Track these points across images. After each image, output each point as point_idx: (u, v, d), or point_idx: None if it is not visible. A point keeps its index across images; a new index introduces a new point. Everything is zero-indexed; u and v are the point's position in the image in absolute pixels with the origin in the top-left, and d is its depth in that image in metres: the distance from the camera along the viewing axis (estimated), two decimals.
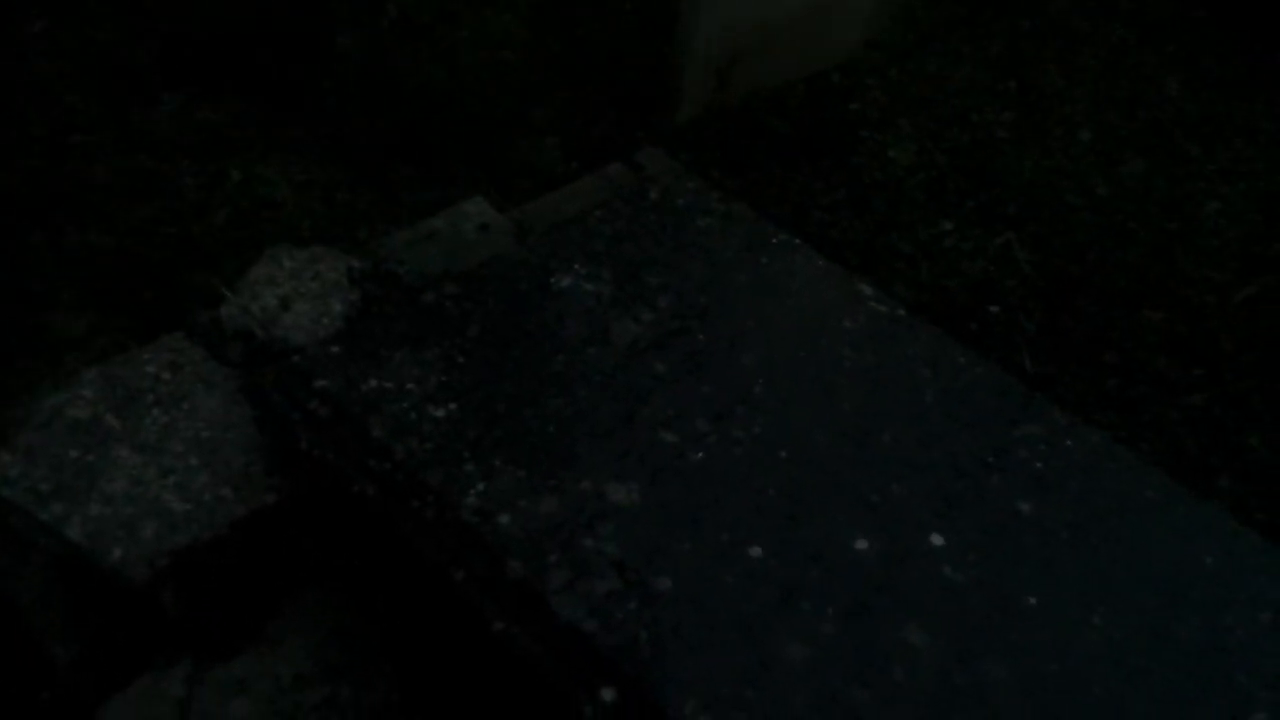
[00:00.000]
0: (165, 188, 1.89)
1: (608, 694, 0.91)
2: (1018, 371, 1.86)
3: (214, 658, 1.12)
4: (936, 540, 1.07)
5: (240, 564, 1.13)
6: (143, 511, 1.08)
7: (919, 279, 1.98)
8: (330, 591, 1.19)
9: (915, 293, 1.95)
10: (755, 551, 1.03)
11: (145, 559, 1.05)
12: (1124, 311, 2.01)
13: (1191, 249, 2.20)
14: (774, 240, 1.41)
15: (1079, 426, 1.24)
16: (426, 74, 2.19)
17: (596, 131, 2.16)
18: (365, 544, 1.11)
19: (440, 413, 1.10)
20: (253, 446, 1.19)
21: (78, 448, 1.10)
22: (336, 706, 1.11)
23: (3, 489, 1.04)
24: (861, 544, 1.05)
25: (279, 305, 1.35)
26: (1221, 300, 2.07)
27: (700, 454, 1.11)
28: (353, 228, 1.84)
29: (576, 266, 1.31)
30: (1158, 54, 2.89)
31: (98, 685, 1.08)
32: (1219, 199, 2.39)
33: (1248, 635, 1.04)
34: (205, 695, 1.10)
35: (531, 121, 2.17)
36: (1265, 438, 1.79)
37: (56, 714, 1.08)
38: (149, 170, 1.92)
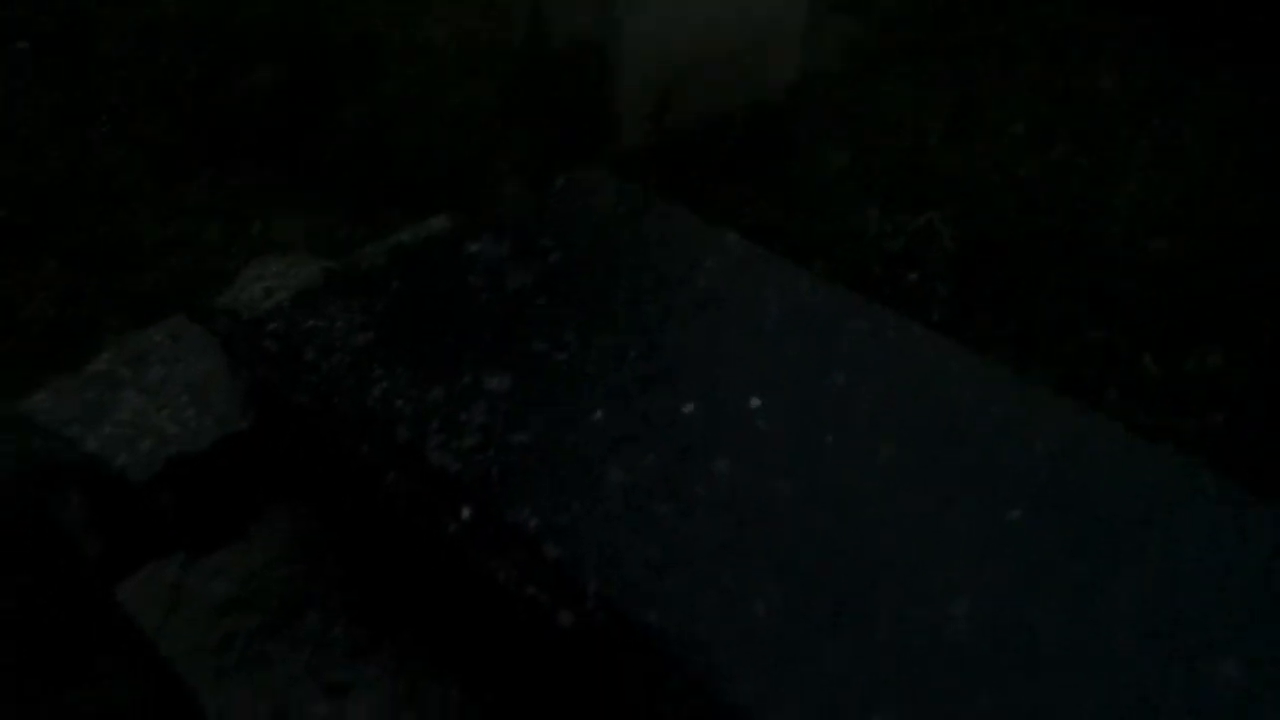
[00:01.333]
0: (198, 242, 2.31)
1: (465, 512, 1.17)
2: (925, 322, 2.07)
3: (202, 551, 1.43)
4: (755, 403, 1.31)
5: (221, 477, 1.45)
6: (143, 432, 1.41)
7: (838, 255, 2.23)
8: (294, 503, 1.49)
9: (834, 266, 2.19)
10: (598, 416, 1.28)
11: (143, 464, 1.37)
12: (1034, 269, 2.20)
13: (1107, 214, 2.38)
14: (658, 208, 1.70)
15: (905, 322, 1.46)
16: (413, 137, 2.59)
17: (553, 167, 2.51)
18: (306, 448, 1.40)
19: (359, 339, 1.40)
20: (232, 393, 1.51)
21: (95, 391, 1.45)
22: (295, 581, 1.40)
23: (37, 415, 1.39)
24: (689, 408, 1.30)
25: (263, 294, 1.70)
26: (1132, 255, 2.25)
27: (564, 356, 1.38)
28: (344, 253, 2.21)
29: (486, 237, 1.62)
30: (1095, 56, 3.11)
31: (117, 571, 1.40)
32: (1141, 174, 2.57)
33: (1015, 459, 1.23)
34: (193, 578, 1.40)
35: (500, 166, 2.53)
36: (1157, 356, 1.95)
37: (81, 594, 1.39)
38: (186, 230, 2.34)
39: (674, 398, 1.32)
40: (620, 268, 1.55)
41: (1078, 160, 2.63)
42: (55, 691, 1.40)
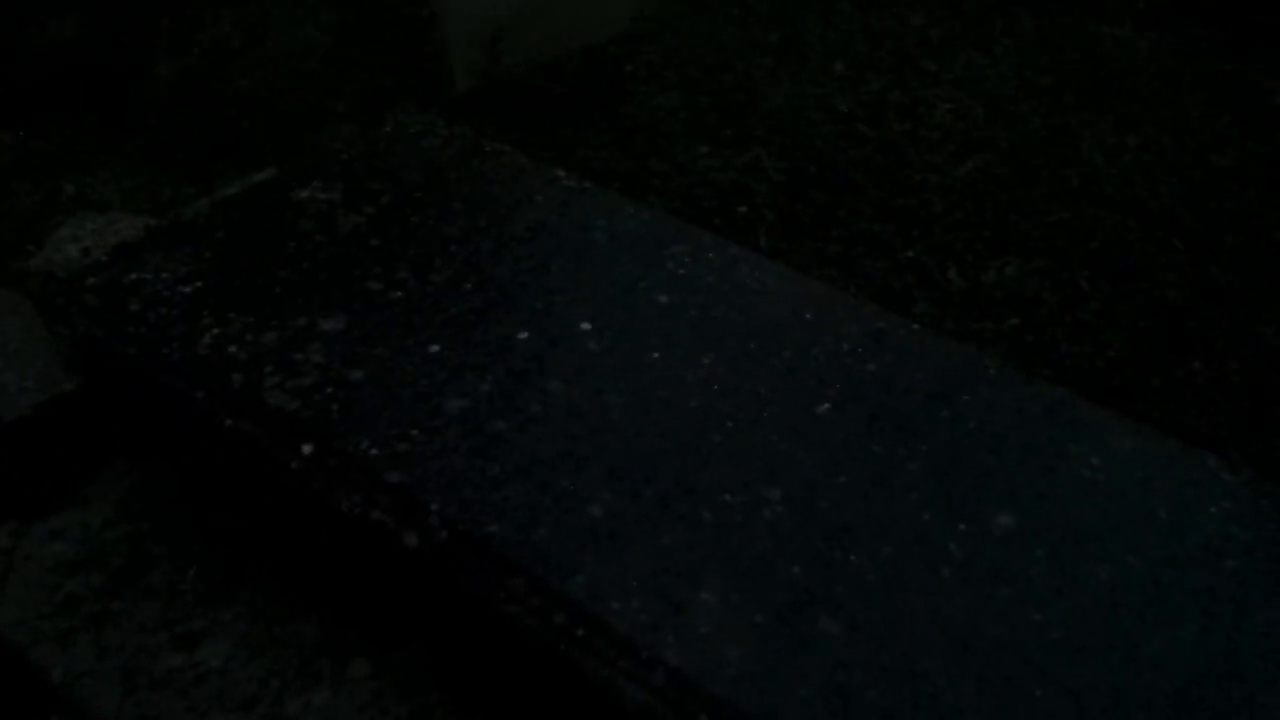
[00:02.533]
0: (4, 206, 2.18)
1: (306, 448, 1.20)
2: (754, 248, 2.19)
3: (34, 518, 1.39)
4: (585, 326, 1.37)
5: (47, 441, 1.41)
6: None
7: (671, 191, 2.31)
8: (130, 460, 1.47)
9: (668, 202, 2.28)
10: (434, 349, 1.32)
11: None
12: (852, 195, 2.35)
13: (918, 141, 2.55)
14: (487, 149, 1.73)
15: (723, 243, 1.56)
16: (239, 87, 2.50)
17: (387, 115, 2.48)
18: (138, 402, 1.38)
19: (187, 289, 1.39)
20: (53, 355, 1.46)
21: None
22: (138, 537, 1.38)
23: None
24: (523, 335, 1.35)
25: (80, 254, 1.64)
26: (940, 178, 2.42)
27: (399, 294, 1.41)
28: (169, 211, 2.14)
29: (315, 183, 1.61)
30: None
31: None
32: (951, 102, 2.75)
33: (822, 360, 1.35)
34: (27, 543, 1.37)
35: (333, 113, 2.48)
36: (962, 271, 2.13)
37: None
38: None
39: (508, 326, 1.37)
40: (451, 207, 1.58)
41: (891, 93, 2.79)
42: None
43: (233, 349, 1.30)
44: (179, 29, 2.60)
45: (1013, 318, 2.04)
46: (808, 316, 1.42)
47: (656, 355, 1.34)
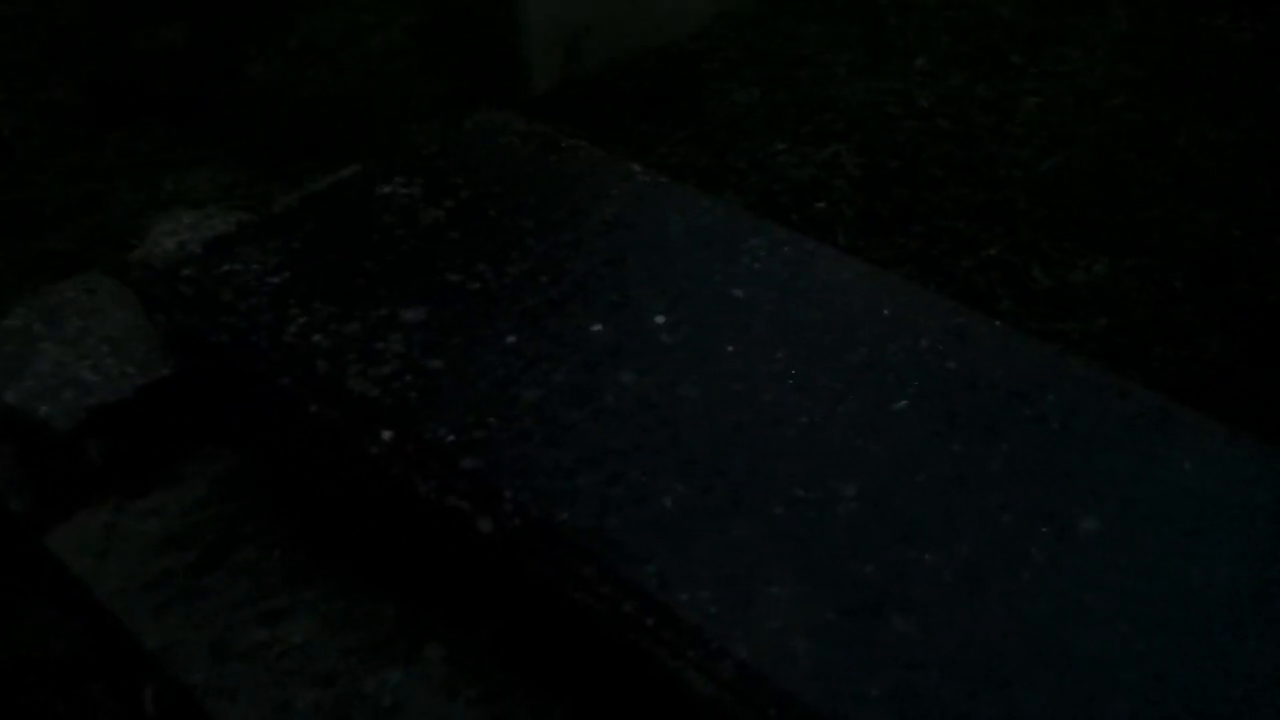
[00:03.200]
0: (109, 202, 2.29)
1: (386, 434, 1.23)
2: (831, 245, 2.16)
3: (133, 495, 1.46)
4: (659, 319, 1.38)
5: (146, 423, 1.47)
6: (64, 383, 1.43)
7: (748, 186, 2.30)
8: (222, 442, 1.53)
9: (744, 198, 2.27)
10: (510, 339, 1.34)
11: (66, 413, 1.39)
12: (932, 192, 2.30)
13: (1003, 137, 2.49)
14: (564, 144, 1.75)
15: (800, 238, 1.54)
16: (325, 88, 2.58)
17: (467, 113, 2.52)
18: (230, 387, 1.44)
19: (275, 279, 1.44)
20: (153, 342, 1.53)
21: (11, 345, 1.46)
22: (228, 516, 1.44)
23: None
24: (597, 327, 1.36)
25: (176, 247, 1.71)
26: (1026, 173, 2.36)
27: (478, 285, 1.43)
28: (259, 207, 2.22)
29: (398, 179, 1.65)
30: None
31: (47, 521, 1.42)
32: (1038, 96, 2.68)
33: (900, 356, 1.33)
34: (125, 521, 1.43)
35: (415, 112, 2.54)
36: (1048, 269, 2.07)
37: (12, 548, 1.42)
38: (94, 192, 2.32)
39: (583, 318, 1.39)
40: (529, 201, 1.60)
41: (975, 88, 2.73)
42: None
43: (318, 337, 1.34)
44: (271, 33, 2.69)
45: (1101, 318, 1.97)
46: (885, 312, 1.40)
47: (730, 349, 1.34)
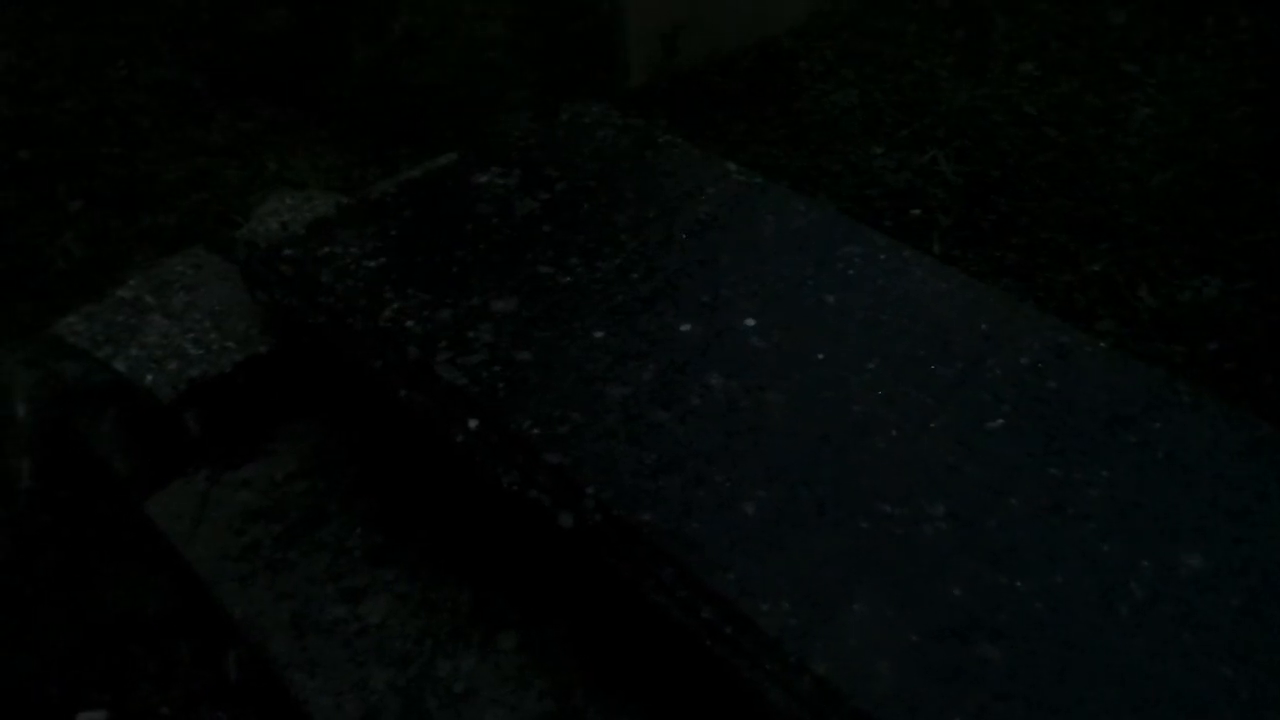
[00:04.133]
0: (216, 180, 2.36)
1: (472, 422, 1.24)
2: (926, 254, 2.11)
3: (226, 467, 1.51)
4: (749, 322, 1.36)
5: (242, 397, 1.52)
6: (168, 354, 1.48)
7: (842, 190, 2.25)
8: (312, 420, 1.57)
9: (838, 201, 2.22)
10: (599, 334, 1.34)
11: (169, 383, 1.44)
12: (1035, 203, 2.22)
13: (1112, 148, 2.39)
14: (660, 140, 1.74)
15: (896, 246, 1.51)
16: (425, 75, 2.62)
17: (563, 105, 2.54)
18: (323, 367, 1.47)
19: (372, 264, 1.46)
20: (253, 319, 1.58)
21: (122, 315, 1.52)
22: (314, 493, 1.47)
23: (68, 338, 1.46)
24: (686, 327, 1.35)
25: (279, 227, 1.76)
26: (1135, 187, 2.26)
27: (569, 279, 1.43)
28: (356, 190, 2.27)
29: (494, 168, 1.66)
30: None
31: (147, 487, 1.48)
32: (1152, 107, 2.56)
33: (997, 372, 1.29)
34: (219, 490, 1.48)
35: (510, 102, 2.56)
36: (1153, 289, 1.98)
37: (113, 509, 1.48)
38: (204, 169, 2.40)
39: (673, 317, 1.38)
40: (623, 196, 1.59)
41: (1085, 96, 2.62)
42: (91, 598, 1.49)
43: (410, 323, 1.36)
44: (375, 20, 2.75)
45: (1211, 342, 1.88)
46: (983, 327, 1.35)
47: (821, 356, 1.31)
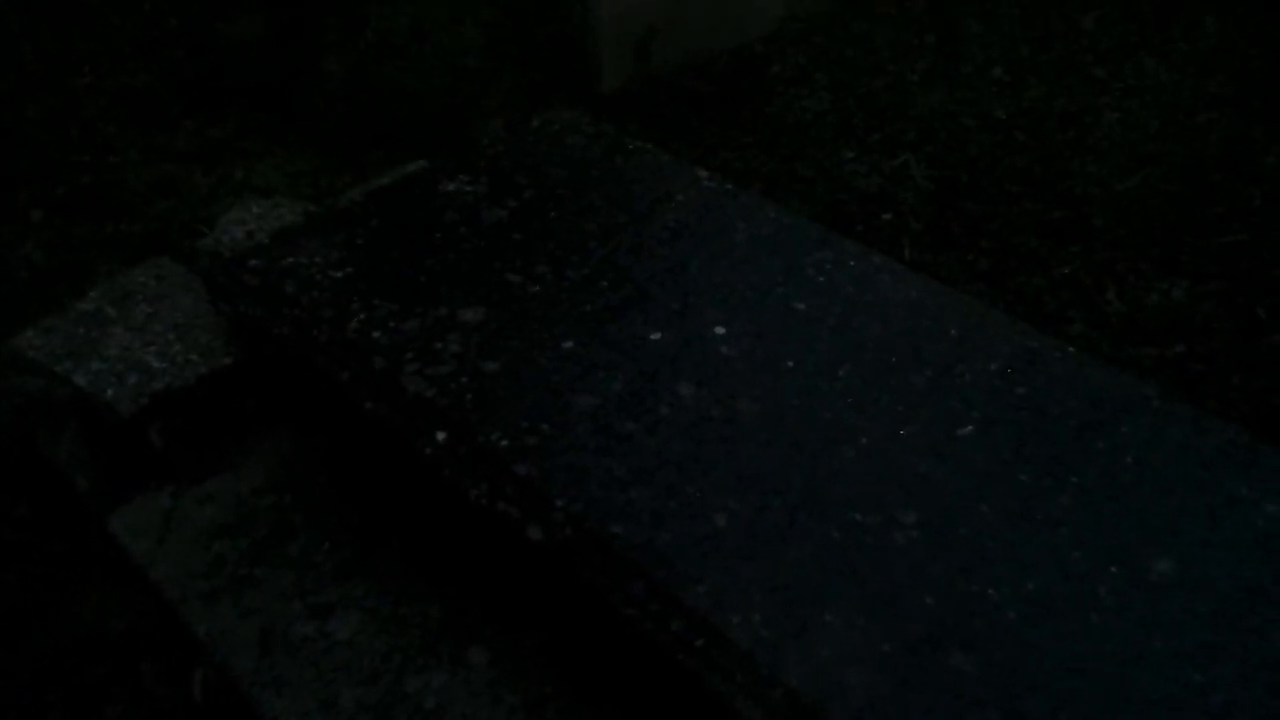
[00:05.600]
0: (182, 189, 2.33)
1: (440, 435, 1.22)
2: (897, 259, 2.11)
3: (191, 481, 1.48)
4: (719, 330, 1.35)
5: (206, 410, 1.49)
6: (130, 368, 1.45)
7: (815, 195, 2.25)
8: (279, 433, 1.54)
9: (810, 206, 2.22)
10: (568, 344, 1.33)
11: (131, 397, 1.42)
12: (1005, 207, 2.23)
13: (1082, 152, 2.40)
14: (630, 147, 1.73)
15: (866, 252, 1.50)
16: (398, 81, 2.60)
17: (536, 111, 2.52)
18: (289, 379, 1.45)
19: (338, 274, 1.44)
20: (217, 331, 1.55)
21: (83, 328, 1.49)
22: (281, 507, 1.45)
23: (27, 352, 1.43)
24: (656, 335, 1.34)
25: (245, 236, 1.73)
26: (1104, 191, 2.27)
27: (537, 288, 1.42)
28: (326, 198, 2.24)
29: (462, 176, 1.65)
30: None
31: (108, 503, 1.45)
32: (1119, 111, 2.58)
33: (967, 379, 1.28)
34: (184, 505, 1.45)
35: (484, 107, 2.55)
36: (1121, 292, 1.99)
37: (75, 526, 1.45)
38: (171, 176, 2.36)
39: (642, 326, 1.37)
40: (593, 203, 1.58)
41: (1055, 101, 2.64)
42: (53, 617, 1.46)
43: (377, 334, 1.34)
44: (348, 26, 2.72)
45: (1178, 345, 1.89)
46: (953, 333, 1.35)
47: (791, 364, 1.31)
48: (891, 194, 2.29)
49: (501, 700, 1.24)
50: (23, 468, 1.56)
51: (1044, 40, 2.88)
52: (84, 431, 1.47)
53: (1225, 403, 1.74)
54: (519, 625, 1.30)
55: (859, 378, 1.29)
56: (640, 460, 1.19)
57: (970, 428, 1.22)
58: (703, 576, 1.07)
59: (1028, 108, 2.56)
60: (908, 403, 1.25)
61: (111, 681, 1.44)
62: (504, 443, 1.20)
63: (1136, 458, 1.20)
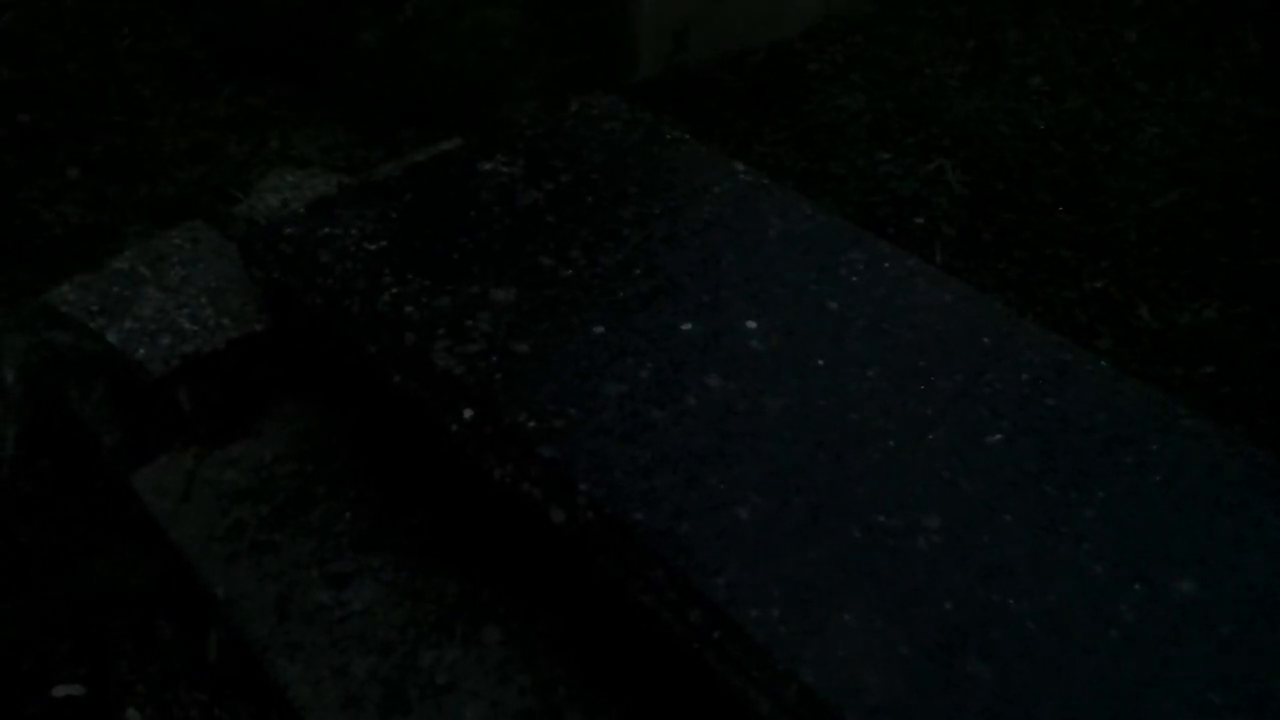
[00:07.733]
0: (217, 154, 2.34)
1: (467, 412, 1.23)
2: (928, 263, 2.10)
3: (215, 444, 1.49)
4: (750, 324, 1.35)
5: (234, 375, 1.50)
6: (162, 328, 1.46)
7: (847, 195, 2.24)
8: (304, 402, 1.55)
9: (842, 207, 2.21)
10: (599, 330, 1.33)
11: (161, 358, 1.43)
12: (1039, 217, 2.22)
13: (1118, 166, 2.38)
14: (668, 136, 1.72)
15: (900, 254, 1.50)
16: (432, 59, 2.60)
17: (571, 93, 2.52)
18: (318, 348, 1.46)
19: (373, 246, 1.45)
20: (248, 297, 1.56)
21: (117, 286, 1.50)
22: (303, 475, 1.46)
23: (61, 307, 1.45)
24: (687, 326, 1.34)
25: (279, 205, 1.74)
26: (1139, 207, 2.26)
27: (570, 272, 1.42)
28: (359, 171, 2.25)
29: (499, 157, 1.65)
30: (1123, 6, 3.07)
31: (134, 461, 1.46)
32: (1159, 126, 2.56)
33: (997, 387, 1.28)
34: (207, 468, 1.47)
35: (517, 90, 2.54)
36: (1154, 310, 1.97)
37: (97, 482, 1.46)
38: (206, 142, 2.37)
39: (673, 316, 1.37)
40: (628, 191, 1.58)
41: (1093, 113, 2.62)
42: (71, 570, 1.48)
43: (409, 309, 1.35)
44: (384, 3, 2.72)
45: (1207, 365, 1.88)
46: (985, 340, 1.35)
47: (820, 362, 1.30)
48: (925, 198, 2.27)
49: (512, 680, 1.24)
50: (49, 421, 1.57)
51: (1085, 52, 2.86)
52: (112, 389, 1.48)
53: (1252, 425, 1.72)
54: (534, 607, 1.31)
55: (888, 380, 1.28)
56: (665, 449, 1.19)
57: (998, 436, 1.22)
58: (722, 568, 1.07)
59: (1066, 118, 2.54)
60: (936, 408, 1.25)
61: (125, 636, 1.46)
62: (530, 424, 1.20)
63: (1164, 476, 1.19)
